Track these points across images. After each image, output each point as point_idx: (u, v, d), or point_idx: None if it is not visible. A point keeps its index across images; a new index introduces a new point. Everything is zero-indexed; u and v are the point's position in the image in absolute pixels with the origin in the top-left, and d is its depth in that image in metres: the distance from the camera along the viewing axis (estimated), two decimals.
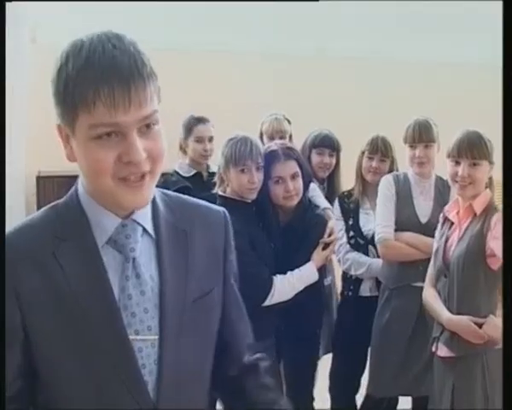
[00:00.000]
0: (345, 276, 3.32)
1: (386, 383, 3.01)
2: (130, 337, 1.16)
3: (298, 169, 2.70)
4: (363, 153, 3.25)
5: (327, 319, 3.18)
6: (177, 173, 3.36)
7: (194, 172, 3.39)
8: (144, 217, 1.22)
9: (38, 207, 4.98)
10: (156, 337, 1.19)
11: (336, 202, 3.27)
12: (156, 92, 1.12)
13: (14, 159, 5.12)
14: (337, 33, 5.92)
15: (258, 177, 2.62)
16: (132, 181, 1.11)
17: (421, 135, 2.97)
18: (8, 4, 5.37)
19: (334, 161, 3.36)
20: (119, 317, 1.16)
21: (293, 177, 2.68)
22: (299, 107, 4.77)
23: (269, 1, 5.42)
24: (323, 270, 2.84)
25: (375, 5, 5.72)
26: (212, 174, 3.29)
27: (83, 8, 5.41)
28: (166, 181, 3.12)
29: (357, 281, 3.23)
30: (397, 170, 3.24)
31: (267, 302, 2.57)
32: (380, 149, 3.19)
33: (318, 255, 2.72)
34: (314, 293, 2.75)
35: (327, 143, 3.34)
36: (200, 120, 3.39)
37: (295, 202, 2.70)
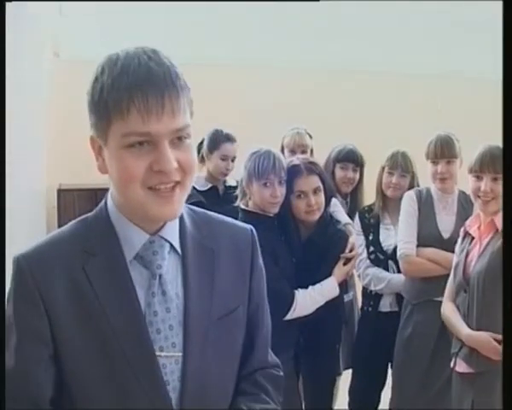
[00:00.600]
0: (365, 291, 3.30)
1: (409, 397, 2.98)
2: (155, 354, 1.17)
3: (320, 184, 2.70)
4: (383, 168, 3.23)
5: (347, 334, 3.16)
6: (192, 187, 3.35)
7: (209, 186, 3.39)
8: (172, 234, 1.23)
9: (59, 220, 5.03)
10: (180, 354, 1.19)
11: (357, 217, 3.26)
12: (189, 105, 1.14)
13: (34, 172, 5.18)
14: (360, 47, 5.93)
15: (281, 191, 2.63)
16: (162, 191, 1.12)
17: (443, 151, 2.95)
18: (30, 17, 5.45)
19: (357, 176, 3.35)
20: (146, 333, 1.17)
21: (316, 191, 2.68)
22: (320, 121, 4.78)
23: (272, 0, 5.43)
24: (344, 285, 2.83)
25: (402, 18, 5.74)
26: (229, 188, 3.30)
27: (105, 23, 5.47)
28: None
29: (377, 296, 3.20)
30: (417, 185, 3.21)
31: (288, 316, 2.56)
32: (400, 164, 3.17)
33: (339, 270, 2.71)
34: (333, 308, 2.73)
35: (351, 158, 3.34)
36: (229, 139, 3.37)
37: (317, 216, 2.69)
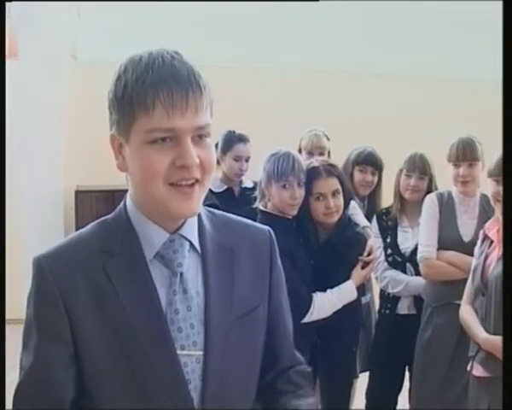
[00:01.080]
0: (382, 294, 3.28)
1: (428, 400, 2.96)
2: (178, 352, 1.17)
3: (339, 186, 2.68)
4: (401, 170, 3.21)
5: (364, 337, 3.14)
6: (209, 189, 3.34)
7: (225, 187, 3.38)
8: (191, 232, 1.23)
9: (76, 221, 5.07)
10: (201, 353, 1.19)
11: (374, 220, 3.24)
12: (210, 105, 1.15)
13: (52, 173, 5.22)
14: (377, 50, 5.92)
15: (300, 193, 2.62)
16: (183, 188, 1.13)
17: (465, 153, 2.92)
18: (48, 20, 5.51)
19: (375, 179, 3.33)
20: (167, 331, 1.16)
21: (334, 194, 2.67)
22: (337, 123, 4.78)
23: (272, 1, 5.43)
24: (361, 288, 2.81)
25: (420, 22, 5.72)
26: (245, 189, 3.29)
27: (122, 25, 5.50)
28: None
29: (395, 299, 3.18)
30: (436, 188, 3.19)
31: (306, 319, 2.55)
32: (418, 166, 3.15)
33: (358, 274, 2.69)
34: (351, 311, 2.72)
35: (370, 161, 3.32)
36: (242, 139, 3.36)
37: (335, 218, 2.68)
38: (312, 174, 2.68)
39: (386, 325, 3.21)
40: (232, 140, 3.36)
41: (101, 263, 1.17)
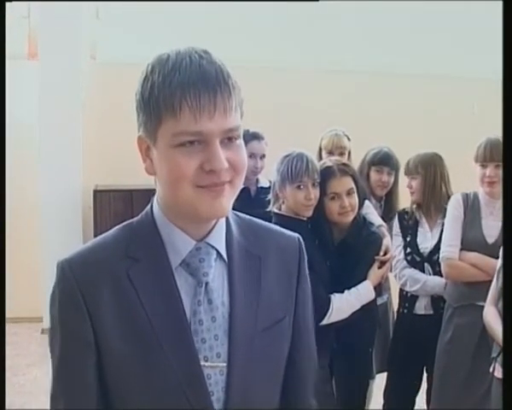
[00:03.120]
0: (401, 293, 3.27)
1: (449, 401, 2.94)
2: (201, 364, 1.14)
3: (353, 185, 2.68)
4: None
5: (381, 337, 3.13)
6: None
7: (242, 186, 3.38)
8: (219, 240, 1.19)
9: (95, 220, 5.10)
10: (225, 365, 1.16)
11: (396, 218, 3.24)
12: (240, 106, 1.11)
13: (71, 173, 5.26)
14: (393, 50, 5.90)
15: (315, 193, 2.61)
16: (212, 189, 1.09)
17: (493, 154, 2.90)
18: (67, 20, 5.53)
19: (392, 179, 3.33)
20: (191, 342, 1.14)
21: (349, 193, 2.66)
22: (357, 123, 4.77)
23: (272, 0, 5.42)
24: (378, 288, 2.81)
25: (434, 22, 5.69)
26: (261, 189, 3.29)
27: (141, 26, 5.53)
28: None
29: (412, 298, 3.17)
30: (447, 190, 3.18)
31: (324, 322, 2.55)
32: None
33: (374, 274, 2.69)
34: (366, 311, 2.71)
35: (386, 162, 3.32)
36: (255, 137, 3.36)
37: (350, 218, 2.67)
38: (326, 174, 2.67)
39: (405, 325, 3.20)
40: (246, 138, 3.33)
41: (125, 269, 1.14)
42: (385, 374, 3.32)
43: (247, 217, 1.30)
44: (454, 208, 3.02)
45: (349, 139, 3.51)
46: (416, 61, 5.91)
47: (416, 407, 3.29)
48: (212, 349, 1.15)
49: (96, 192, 5.27)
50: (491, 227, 2.94)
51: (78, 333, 1.13)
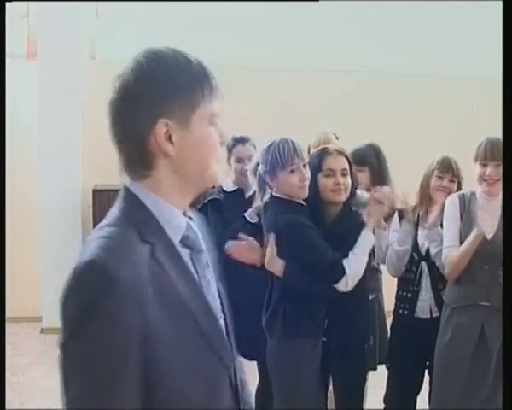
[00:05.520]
0: (400, 294, 3.26)
1: (450, 401, 2.93)
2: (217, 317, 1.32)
3: (347, 167, 2.74)
4: (432, 172, 3.20)
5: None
6: (221, 187, 3.43)
7: (235, 188, 3.44)
8: (190, 213, 1.36)
9: (94, 220, 5.10)
10: (222, 316, 1.35)
11: (396, 215, 3.23)
12: None
13: (70, 172, 5.25)
14: (393, 50, 5.91)
15: (307, 173, 2.66)
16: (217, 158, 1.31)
17: (493, 153, 2.90)
18: (66, 20, 5.52)
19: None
20: (211, 307, 1.28)
21: (343, 174, 2.71)
22: (357, 123, 4.77)
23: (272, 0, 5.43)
24: (368, 284, 2.86)
25: (434, 21, 5.70)
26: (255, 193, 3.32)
27: (139, 25, 5.52)
28: (205, 193, 3.32)
29: (413, 300, 3.16)
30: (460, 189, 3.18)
31: (344, 287, 2.60)
32: (451, 168, 3.15)
33: (370, 220, 2.75)
34: (361, 308, 2.76)
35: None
36: (239, 141, 3.44)
37: (343, 197, 2.71)
38: (323, 153, 2.75)
39: (404, 327, 3.19)
40: (231, 144, 3.44)
41: (148, 253, 1.17)
42: (379, 373, 3.30)
43: None
44: (450, 209, 3.02)
45: (337, 138, 3.56)
46: (416, 60, 5.92)
47: (417, 408, 3.29)
48: (216, 307, 1.33)
49: (95, 192, 5.28)
50: (489, 225, 2.93)
51: (134, 323, 1.10)
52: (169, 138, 1.21)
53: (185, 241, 1.27)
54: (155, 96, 1.20)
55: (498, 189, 2.95)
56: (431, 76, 5.98)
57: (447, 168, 3.15)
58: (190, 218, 1.33)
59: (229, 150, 3.44)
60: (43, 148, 5.20)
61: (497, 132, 2.99)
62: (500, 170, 2.90)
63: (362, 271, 2.65)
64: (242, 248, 2.78)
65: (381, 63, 5.85)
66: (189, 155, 1.24)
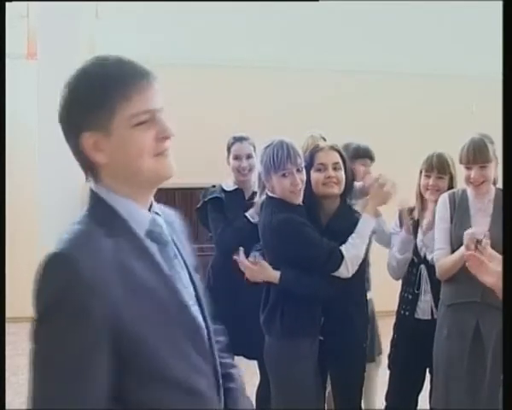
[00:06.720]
0: (402, 295, 3.26)
1: (449, 397, 2.93)
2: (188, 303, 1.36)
3: (340, 161, 2.75)
4: (421, 171, 3.19)
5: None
6: (221, 186, 3.44)
7: (235, 187, 3.46)
8: (158, 208, 1.40)
9: None
10: (196, 302, 1.42)
11: (396, 217, 3.23)
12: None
13: (69, 169, 5.24)
14: (393, 50, 5.91)
15: (301, 178, 2.65)
16: (166, 154, 1.31)
17: (476, 156, 2.88)
18: (66, 19, 5.52)
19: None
20: (180, 295, 1.34)
21: (335, 168, 2.73)
22: (357, 122, 4.76)
23: (272, 0, 5.43)
24: (366, 283, 2.91)
25: (433, 21, 5.69)
26: (255, 193, 3.32)
27: (139, 25, 5.52)
28: (205, 192, 3.42)
29: (413, 301, 3.16)
30: (455, 186, 3.16)
31: (345, 272, 2.63)
32: (435, 166, 3.13)
33: (370, 203, 2.77)
34: (359, 307, 2.78)
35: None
36: (237, 139, 3.48)
37: (335, 190, 2.72)
38: (315, 150, 2.79)
39: (406, 327, 3.20)
40: (229, 144, 3.50)
41: (112, 246, 1.24)
42: (380, 372, 3.31)
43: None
44: (440, 210, 3.02)
45: (325, 140, 3.54)
46: (416, 60, 5.92)
47: (418, 408, 3.29)
48: (189, 295, 1.39)
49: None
50: (481, 223, 2.92)
51: (101, 322, 1.17)
52: (98, 148, 1.27)
53: (151, 234, 1.33)
54: (78, 111, 1.28)
55: (485, 190, 2.95)
56: (431, 76, 5.98)
57: (431, 166, 3.14)
58: (157, 213, 1.38)
59: (228, 149, 3.48)
60: (43, 148, 5.20)
61: (497, 132, 2.99)
62: (485, 171, 2.90)
63: (361, 254, 2.67)
64: (254, 271, 2.75)
65: (381, 63, 5.86)
66: (117, 160, 1.28)
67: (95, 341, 1.18)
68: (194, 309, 1.39)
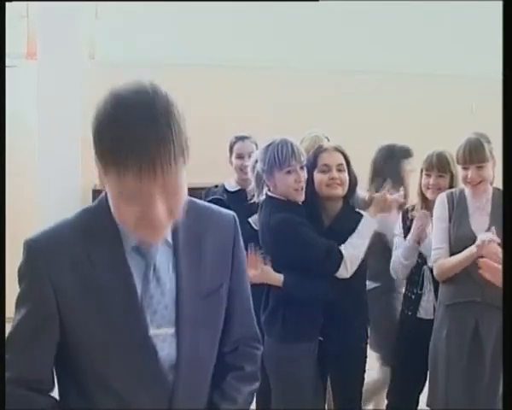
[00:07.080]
0: (405, 295, 3.26)
1: (446, 397, 2.93)
2: (153, 332, 1.31)
3: (344, 163, 2.75)
4: (421, 170, 3.19)
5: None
6: (223, 187, 3.45)
7: (237, 188, 3.47)
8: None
9: None
10: (173, 329, 1.33)
11: (399, 218, 3.22)
12: (181, 151, 1.17)
13: (70, 172, 5.25)
14: (393, 49, 5.91)
15: (304, 175, 2.67)
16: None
17: (472, 156, 2.88)
18: (66, 20, 5.51)
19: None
20: (142, 317, 1.30)
21: (339, 169, 2.72)
22: (356, 122, 4.75)
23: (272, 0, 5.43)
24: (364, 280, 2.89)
25: (433, 21, 5.69)
26: None
27: (139, 26, 5.51)
28: (208, 192, 3.44)
29: (416, 301, 3.16)
30: (457, 184, 3.16)
31: (345, 272, 2.62)
32: (435, 165, 3.13)
33: (372, 208, 2.78)
34: (357, 308, 2.78)
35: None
36: (240, 138, 3.51)
37: (339, 191, 2.72)
38: (319, 150, 2.79)
39: (408, 326, 3.20)
40: (232, 143, 3.53)
41: (85, 249, 1.29)
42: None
43: (190, 199, 1.36)
44: (438, 210, 3.01)
45: (328, 140, 3.53)
46: (416, 60, 5.92)
47: (419, 407, 3.30)
48: (163, 318, 1.33)
49: (94, 192, 5.27)
50: (480, 222, 2.92)
51: (43, 301, 1.29)
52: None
53: (136, 251, 1.31)
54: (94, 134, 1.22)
55: (483, 189, 2.95)
56: (431, 76, 5.98)
57: (431, 165, 3.14)
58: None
59: (231, 148, 3.49)
60: (43, 148, 5.19)
61: (497, 132, 2.99)
62: (482, 171, 2.89)
63: (361, 254, 2.67)
64: (256, 276, 2.66)
65: (381, 63, 5.85)
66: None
67: (40, 319, 1.30)
68: (161, 332, 1.32)
